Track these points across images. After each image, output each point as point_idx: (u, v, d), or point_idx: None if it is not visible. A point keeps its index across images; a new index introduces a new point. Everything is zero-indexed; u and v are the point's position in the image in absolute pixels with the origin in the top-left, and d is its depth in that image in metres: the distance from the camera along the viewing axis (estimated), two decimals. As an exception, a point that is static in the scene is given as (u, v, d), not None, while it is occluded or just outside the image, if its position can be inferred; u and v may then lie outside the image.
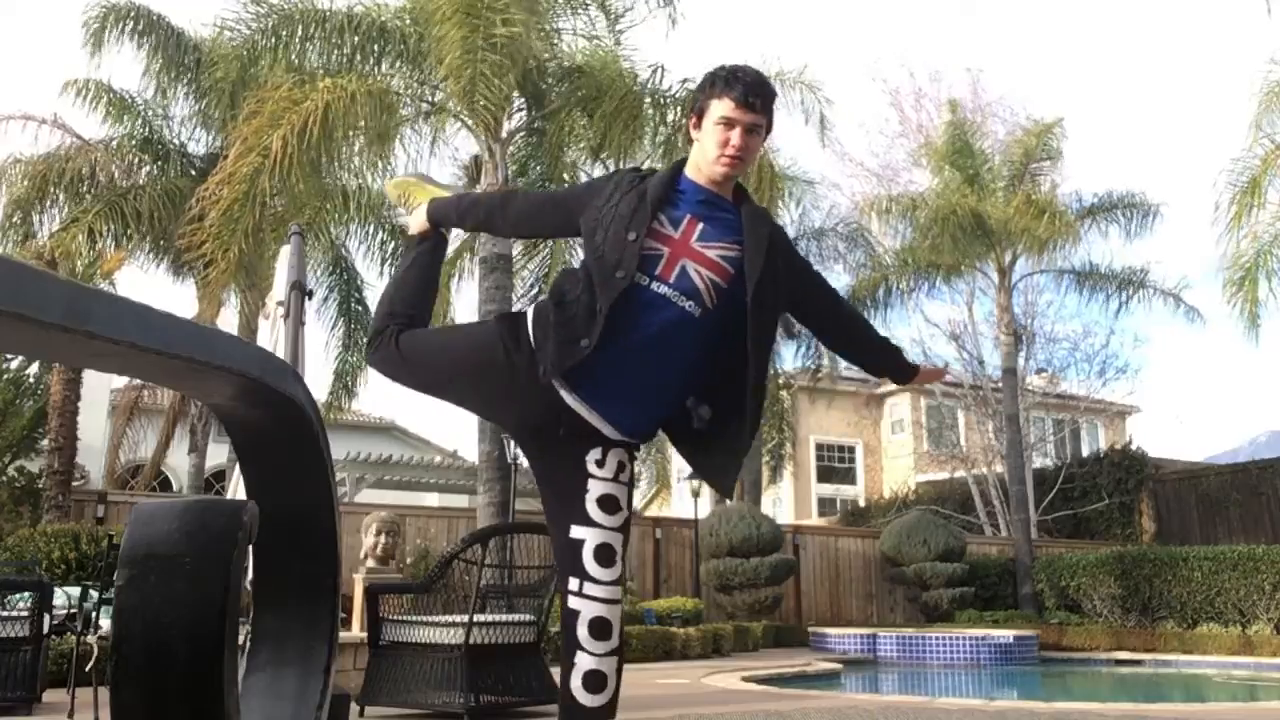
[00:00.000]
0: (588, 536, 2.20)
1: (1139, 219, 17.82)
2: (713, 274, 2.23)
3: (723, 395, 2.28)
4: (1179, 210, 60.33)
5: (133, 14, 13.13)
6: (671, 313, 2.19)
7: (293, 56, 11.74)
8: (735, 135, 2.27)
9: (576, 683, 2.16)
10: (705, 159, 2.31)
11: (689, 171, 2.36)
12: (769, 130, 2.39)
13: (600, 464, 2.25)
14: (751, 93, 2.28)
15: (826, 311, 2.58)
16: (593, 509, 2.22)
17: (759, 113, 2.30)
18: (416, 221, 2.64)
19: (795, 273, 2.41)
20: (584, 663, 2.15)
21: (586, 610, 2.16)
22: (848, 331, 2.67)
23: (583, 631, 2.16)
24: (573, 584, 2.19)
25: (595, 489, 2.23)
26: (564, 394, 2.20)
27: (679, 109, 11.82)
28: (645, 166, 2.52)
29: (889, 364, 2.62)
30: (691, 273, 2.21)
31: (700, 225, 2.26)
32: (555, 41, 12.24)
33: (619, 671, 2.19)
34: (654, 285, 2.19)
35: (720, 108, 2.29)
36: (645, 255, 2.20)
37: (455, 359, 2.44)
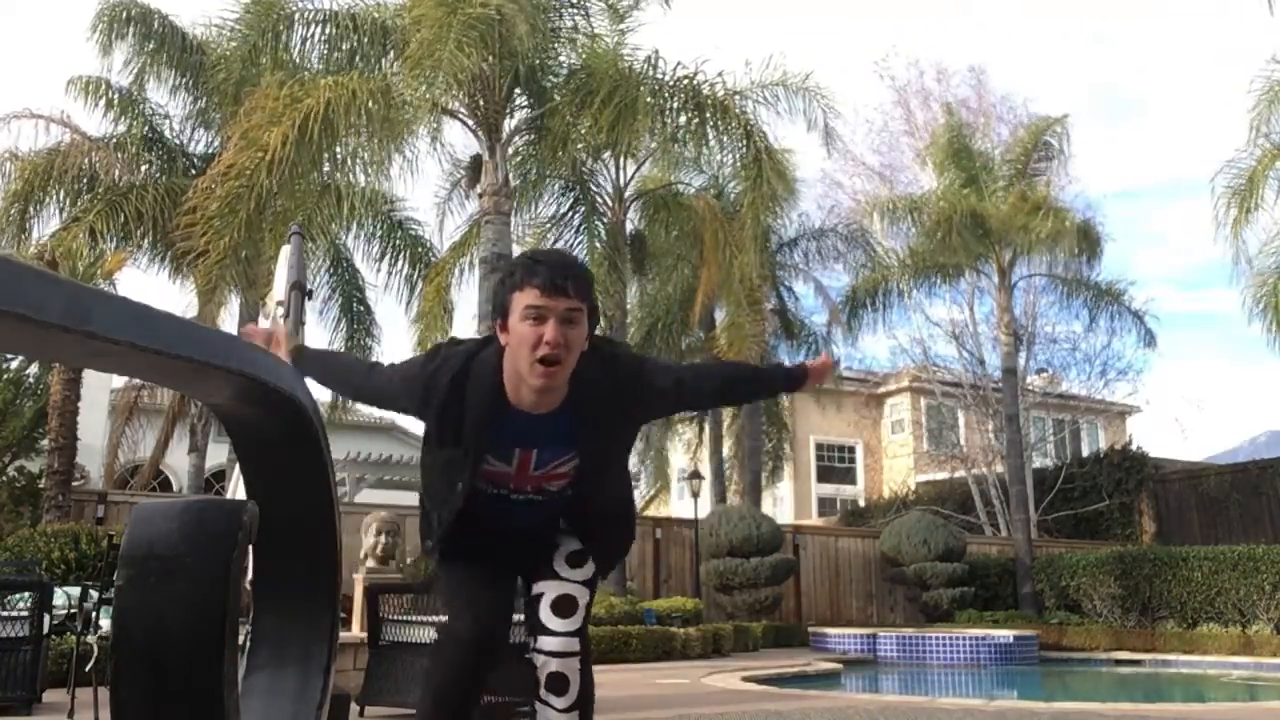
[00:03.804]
0: None
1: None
2: (559, 481, 2.20)
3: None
4: (1180, 209, 60.39)
5: (140, 14, 13.14)
6: (526, 505, 2.25)
7: (293, 56, 11.73)
8: (549, 329, 1.94)
9: None
10: (521, 368, 1.99)
11: (508, 386, 2.06)
12: (594, 318, 2.05)
13: None
14: (558, 274, 1.97)
15: (701, 399, 2.69)
16: None
17: (572, 296, 1.96)
18: None
19: (645, 405, 2.27)
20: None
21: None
22: (728, 398, 2.91)
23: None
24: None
25: None
26: None
27: (682, 97, 11.87)
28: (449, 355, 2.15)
29: (776, 388, 2.68)
30: (539, 488, 2.21)
31: (534, 454, 2.13)
32: (555, 38, 12.24)
33: None
34: (503, 493, 2.20)
35: (524, 298, 1.97)
36: (489, 478, 2.18)
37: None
